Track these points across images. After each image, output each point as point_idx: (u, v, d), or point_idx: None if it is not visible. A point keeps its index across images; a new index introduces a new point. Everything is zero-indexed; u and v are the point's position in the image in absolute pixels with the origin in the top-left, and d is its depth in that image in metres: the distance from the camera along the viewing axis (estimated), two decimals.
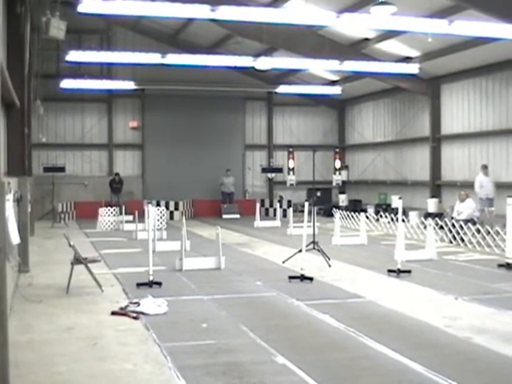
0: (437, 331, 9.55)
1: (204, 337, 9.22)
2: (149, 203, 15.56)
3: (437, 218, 22.12)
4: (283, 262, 16.38)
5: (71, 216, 31.53)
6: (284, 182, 35.46)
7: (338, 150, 35.81)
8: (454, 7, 20.72)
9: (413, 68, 27.21)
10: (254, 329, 9.57)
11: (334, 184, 35.18)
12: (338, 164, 34.89)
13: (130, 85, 32.70)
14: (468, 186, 25.52)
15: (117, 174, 33.56)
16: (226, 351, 8.51)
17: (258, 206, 29.49)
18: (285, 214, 30.94)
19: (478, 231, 19.86)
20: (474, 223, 20.70)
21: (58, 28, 15.99)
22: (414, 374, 7.58)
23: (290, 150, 35.01)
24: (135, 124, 35.47)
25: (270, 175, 36.87)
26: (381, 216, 26.59)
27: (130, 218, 25.91)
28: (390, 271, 14.76)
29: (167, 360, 8.08)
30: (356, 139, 37.36)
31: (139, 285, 13.05)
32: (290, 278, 13.98)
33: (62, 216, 30.18)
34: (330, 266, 16.03)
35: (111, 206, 28.58)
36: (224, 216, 33.10)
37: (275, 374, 7.63)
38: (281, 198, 34.69)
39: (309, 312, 10.88)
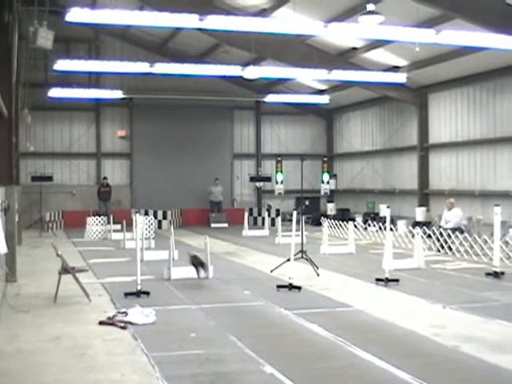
0: (425, 340, 9.57)
1: (192, 346, 9.21)
2: (137, 212, 15.56)
3: (425, 227, 22.18)
4: (271, 271, 16.38)
5: (59, 225, 31.39)
6: (272, 191, 35.51)
7: (325, 159, 35.94)
8: (441, 17, 20.83)
9: (400, 77, 27.33)
10: (242, 338, 9.56)
11: (322, 193, 35.25)
12: (326, 177, 34.95)
13: (118, 94, 32.67)
14: (456, 194, 25.63)
15: (105, 178, 33.44)
16: (214, 361, 8.49)
17: (246, 214, 29.50)
18: (273, 223, 30.96)
19: (466, 240, 19.91)
20: (462, 232, 20.77)
21: (45, 38, 15.94)
22: (402, 382, 7.59)
23: (279, 159, 35.09)
24: (123, 133, 35.40)
25: (258, 184, 36.87)
26: (369, 225, 26.67)
27: (118, 227, 25.86)
28: (378, 280, 14.77)
29: (155, 370, 8.06)
30: (344, 148, 37.42)
31: (127, 294, 13.01)
32: (279, 287, 13.98)
33: (50, 225, 30.08)
34: (318, 274, 16.03)
35: (99, 215, 28.52)
36: (212, 225, 33.04)
37: (263, 383, 7.62)
38: (269, 206, 34.68)
39: (297, 321, 10.87)
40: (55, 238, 26.39)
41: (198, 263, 15.10)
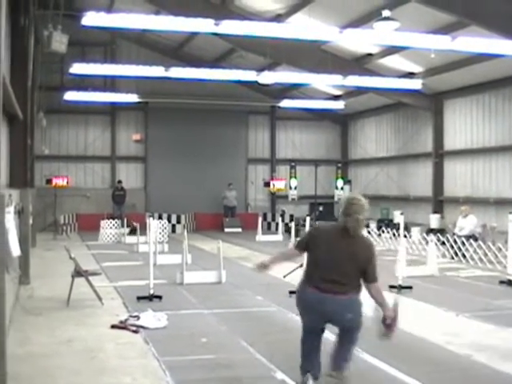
0: (437, 348, 9.53)
1: (203, 351, 9.21)
2: (150, 216, 15.58)
3: (439, 234, 22.08)
4: (284, 277, 16.31)
5: (73, 228, 31.52)
6: (286, 197, 35.48)
7: (339, 164, 36.00)
8: (457, 23, 20.75)
9: (416, 83, 27.24)
10: (254, 344, 9.55)
11: (336, 199, 35.24)
12: (340, 183, 35.10)
13: (133, 98, 32.77)
14: (471, 201, 25.51)
15: (119, 182, 33.52)
16: (225, 366, 8.49)
17: (260, 219, 29.50)
18: (287, 229, 30.89)
19: (480, 247, 19.81)
20: (476, 239, 20.67)
21: (59, 42, 16.04)
22: None
23: (292, 164, 35.12)
24: (138, 137, 35.49)
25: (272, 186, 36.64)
26: (383, 231, 26.55)
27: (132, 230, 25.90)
28: (391, 287, 14.70)
29: (166, 374, 8.07)
30: (359, 154, 37.35)
31: (139, 298, 13.04)
32: (291, 292, 13.91)
33: (64, 228, 30.19)
34: None
35: (113, 219, 28.59)
36: (226, 230, 33.07)
37: None
38: (283, 212, 34.65)
39: None
40: (69, 240, 26.48)
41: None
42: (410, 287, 14.67)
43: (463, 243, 20.35)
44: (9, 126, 15.84)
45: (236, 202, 34.73)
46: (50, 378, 7.97)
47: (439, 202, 29.41)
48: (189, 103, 34.30)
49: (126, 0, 26.63)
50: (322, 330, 7.68)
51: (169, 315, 11.28)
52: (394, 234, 24.58)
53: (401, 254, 16.05)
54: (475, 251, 19.89)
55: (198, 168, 35.16)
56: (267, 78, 28.00)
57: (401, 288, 14.49)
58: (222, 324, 11.07)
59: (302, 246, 7.63)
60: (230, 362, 8.66)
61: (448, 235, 21.86)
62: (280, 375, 8.04)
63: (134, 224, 23.83)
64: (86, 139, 34.79)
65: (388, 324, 7.38)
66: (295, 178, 35.24)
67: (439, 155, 29.45)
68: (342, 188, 35.30)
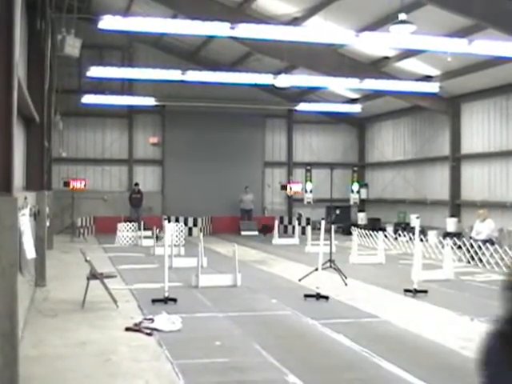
0: (451, 352, 9.48)
1: (217, 355, 9.21)
2: (165, 219, 15.58)
3: (455, 238, 21.99)
4: (299, 280, 16.34)
5: (90, 231, 31.59)
6: (303, 200, 35.48)
7: (355, 168, 36.03)
8: (473, 26, 20.67)
9: (433, 87, 27.15)
10: (268, 347, 9.54)
11: (352, 203, 35.18)
12: (355, 187, 35.21)
13: (150, 101, 32.87)
14: (488, 205, 25.37)
15: (136, 184, 33.60)
16: (239, 369, 8.49)
17: (276, 223, 29.49)
18: (303, 232, 30.88)
19: (497, 251, 19.71)
20: (493, 243, 20.56)
21: (72, 46, 16.14)
22: None
23: (308, 168, 35.14)
24: (155, 140, 35.58)
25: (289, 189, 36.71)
26: (399, 235, 26.48)
27: (149, 233, 25.96)
28: (406, 291, 14.67)
29: (179, 377, 8.08)
30: (376, 157, 37.27)
31: (154, 301, 13.06)
32: (306, 296, 13.94)
33: (81, 230, 30.27)
34: (346, 284, 15.97)
35: (130, 222, 28.67)
36: (242, 233, 33.10)
37: None
38: (299, 215, 34.63)
39: (323, 331, 10.83)
40: (86, 243, 26.56)
41: None
42: (426, 291, 14.60)
43: (479, 247, 20.25)
44: (25, 129, 15.92)
45: (252, 205, 34.75)
46: (62, 380, 8.00)
47: (456, 205, 29.28)
48: (206, 107, 34.38)
49: (143, 4, 26.77)
50: None
51: (183, 318, 11.29)
52: (410, 238, 24.50)
53: (416, 257, 15.99)
54: (492, 255, 19.80)
55: (215, 171, 35.20)
56: (284, 81, 27.98)
57: (416, 292, 14.43)
58: (236, 327, 11.06)
59: None
60: (243, 366, 8.66)
61: (464, 239, 21.76)
62: (292, 378, 8.02)
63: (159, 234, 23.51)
64: (104, 142, 34.92)
65: None
66: (310, 181, 35.25)
67: (456, 159, 29.31)
68: (357, 191, 35.28)
